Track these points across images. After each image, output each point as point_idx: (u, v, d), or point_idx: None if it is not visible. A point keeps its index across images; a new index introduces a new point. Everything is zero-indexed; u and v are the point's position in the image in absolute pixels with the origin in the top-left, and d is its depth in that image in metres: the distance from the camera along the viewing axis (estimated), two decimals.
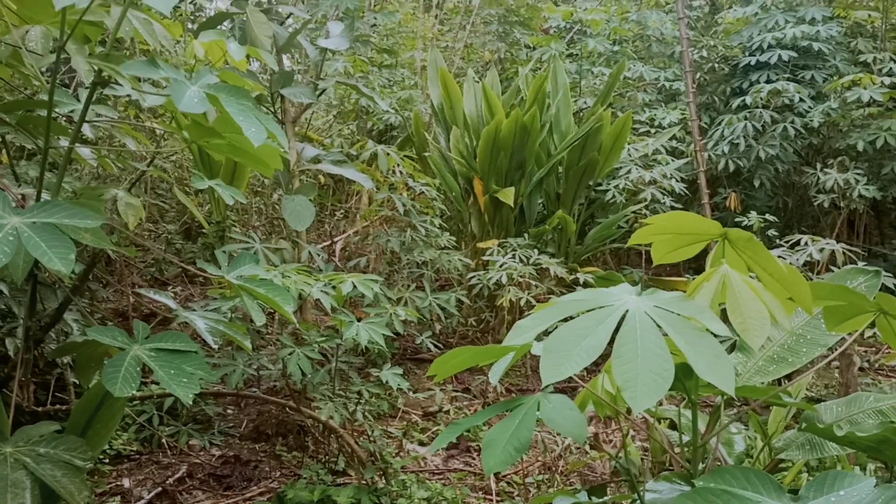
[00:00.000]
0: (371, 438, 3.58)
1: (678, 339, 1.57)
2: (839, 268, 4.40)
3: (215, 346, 2.19)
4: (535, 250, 5.23)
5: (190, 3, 6.72)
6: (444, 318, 4.85)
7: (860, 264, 4.29)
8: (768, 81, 6.90)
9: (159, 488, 3.42)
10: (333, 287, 3.13)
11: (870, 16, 7.51)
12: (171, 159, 5.82)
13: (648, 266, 6.44)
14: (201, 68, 2.04)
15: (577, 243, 6.17)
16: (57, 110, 2.45)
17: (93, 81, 2.21)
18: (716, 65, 7.63)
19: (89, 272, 2.73)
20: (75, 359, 2.82)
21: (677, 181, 6.00)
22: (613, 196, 6.00)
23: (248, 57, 2.84)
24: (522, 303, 4.76)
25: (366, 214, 5.57)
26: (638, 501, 1.91)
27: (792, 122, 6.70)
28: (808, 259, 4.28)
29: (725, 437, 2.86)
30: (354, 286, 3.12)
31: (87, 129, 2.79)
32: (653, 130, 6.82)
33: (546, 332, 1.72)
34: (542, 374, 1.55)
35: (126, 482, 3.45)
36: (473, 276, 5.10)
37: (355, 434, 3.63)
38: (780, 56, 6.93)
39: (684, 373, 1.78)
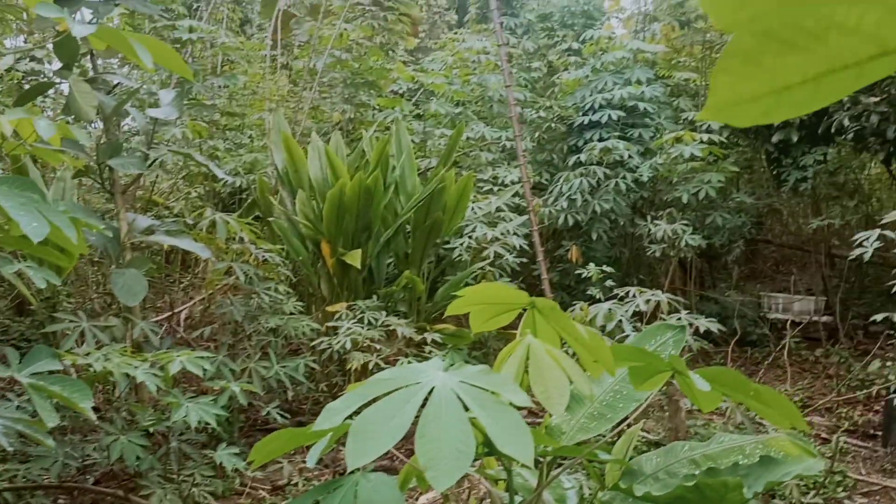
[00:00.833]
0: None
1: (481, 414, 1.62)
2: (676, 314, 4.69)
3: (10, 448, 2.05)
4: (384, 312, 5.26)
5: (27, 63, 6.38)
6: (293, 386, 4.76)
7: (683, 313, 4.58)
8: (601, 140, 7.33)
9: None
10: (161, 368, 3.01)
11: (690, 77, 8.16)
12: None
13: None
14: None
15: (428, 301, 6.24)
16: None
17: None
18: (553, 124, 8.03)
19: None
20: None
21: (519, 237, 6.22)
22: (460, 254, 6.14)
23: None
24: (371, 366, 4.75)
25: (207, 283, 5.41)
26: None
27: (623, 177, 7.12)
28: (637, 309, 4.53)
29: (559, 494, 2.94)
30: (183, 365, 3.01)
31: None
32: (496, 188, 7.06)
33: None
34: (348, 458, 1.56)
35: None
36: (322, 341, 5.04)
37: None
38: (610, 116, 7.38)
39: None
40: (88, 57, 4.60)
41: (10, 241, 1.91)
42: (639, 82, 7.60)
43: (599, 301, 5.38)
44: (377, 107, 8.34)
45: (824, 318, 7.35)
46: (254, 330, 4.94)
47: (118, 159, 4.05)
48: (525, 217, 6.75)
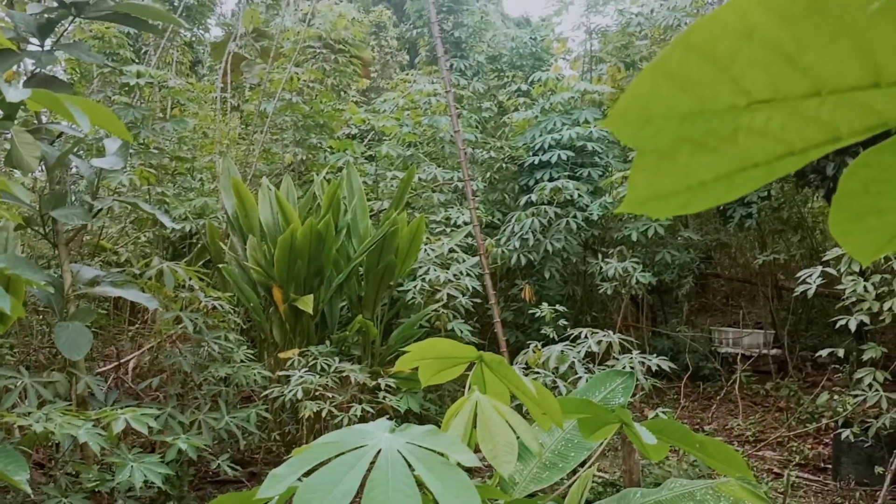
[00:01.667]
0: None
1: (428, 476, 1.60)
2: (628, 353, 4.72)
3: None
4: (337, 357, 5.20)
5: None
6: (245, 436, 4.67)
7: (635, 353, 4.62)
8: (551, 179, 7.43)
9: None
10: (105, 426, 2.93)
11: None
12: None
13: None
14: None
15: (382, 344, 6.20)
16: None
17: None
18: (504, 164, 8.12)
19: None
20: None
21: (473, 277, 6.23)
22: (414, 296, 6.12)
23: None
24: (325, 413, 4.68)
25: (155, 332, 5.31)
26: None
27: (574, 216, 7.22)
28: (589, 350, 4.56)
29: None
30: (128, 422, 2.93)
31: None
32: (449, 229, 7.08)
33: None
34: None
35: None
36: (274, 389, 4.96)
37: None
38: (559, 155, 7.49)
39: None
40: None
41: None
42: (587, 122, 7.74)
43: (553, 340, 5.41)
44: (329, 148, 8.34)
45: (773, 351, 7.49)
46: (203, 379, 4.85)
47: (62, 210, 3.98)
48: (478, 258, 6.78)
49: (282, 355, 5.42)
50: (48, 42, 4.28)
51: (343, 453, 1.66)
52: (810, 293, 4.95)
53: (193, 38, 11.16)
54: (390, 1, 15.29)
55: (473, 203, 5.99)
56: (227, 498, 1.90)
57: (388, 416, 5.07)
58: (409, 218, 6.26)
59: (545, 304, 6.06)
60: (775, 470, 5.31)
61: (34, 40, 4.12)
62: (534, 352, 4.75)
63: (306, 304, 5.51)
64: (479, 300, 6.41)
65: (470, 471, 1.71)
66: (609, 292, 6.84)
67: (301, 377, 4.76)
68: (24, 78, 4.42)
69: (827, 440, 5.72)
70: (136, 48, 9.42)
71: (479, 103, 9.32)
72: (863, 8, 0.46)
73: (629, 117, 0.54)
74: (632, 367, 4.33)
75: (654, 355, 4.76)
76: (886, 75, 0.50)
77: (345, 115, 8.88)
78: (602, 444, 2.20)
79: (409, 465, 1.62)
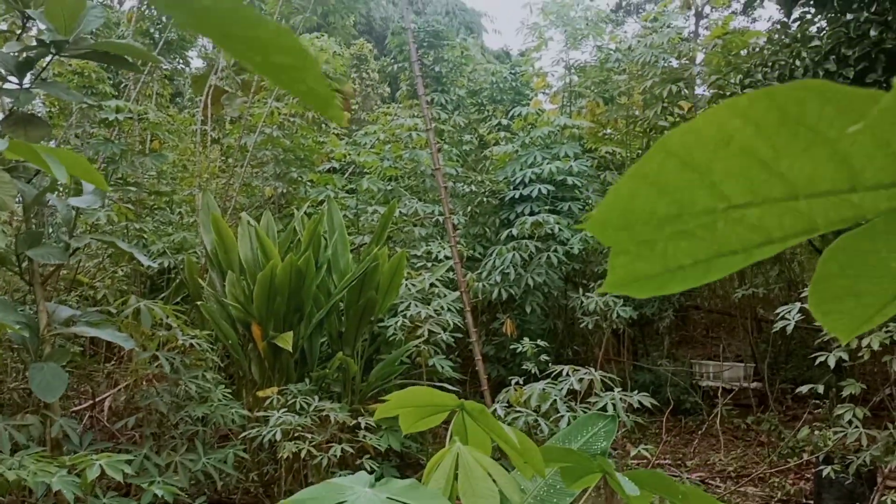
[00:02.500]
0: None
1: None
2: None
3: None
4: (317, 395, 5.15)
5: None
6: (222, 476, 4.59)
7: (616, 391, 4.61)
8: (531, 213, 7.45)
9: None
10: (80, 473, 2.87)
11: (615, 151, 8.42)
12: None
13: None
14: None
15: (363, 380, 6.15)
16: None
17: None
18: (485, 198, 8.14)
19: None
20: None
21: (454, 312, 6.21)
22: (395, 332, 6.09)
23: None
24: (303, 454, 4.62)
25: (131, 372, 5.23)
26: None
27: (555, 250, 7.23)
28: (571, 387, 4.54)
29: None
30: (103, 469, 2.87)
31: None
32: (430, 264, 7.07)
33: None
34: None
35: None
36: (253, 429, 4.90)
37: None
38: (540, 190, 7.53)
39: None
40: None
41: None
42: (567, 156, 7.79)
43: (535, 375, 5.39)
44: (310, 182, 8.33)
45: (754, 385, 7.51)
46: (180, 419, 4.77)
47: (38, 249, 3.93)
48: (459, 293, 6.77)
49: (260, 394, 5.36)
50: (27, 79, 4.26)
51: None
52: (789, 329, 4.98)
53: (174, 71, 11.17)
54: (371, 34, 15.42)
55: (454, 239, 5.99)
56: None
57: (368, 455, 5.01)
58: (391, 252, 6.25)
59: (526, 339, 6.05)
60: None
61: (12, 78, 4.10)
62: (515, 389, 4.72)
63: (286, 341, 5.46)
64: (460, 335, 6.38)
65: None
66: (590, 326, 6.84)
67: (280, 418, 4.70)
68: (2, 116, 4.39)
69: (808, 475, 5.71)
70: (115, 81, 9.39)
71: (459, 136, 9.38)
72: (836, 120, 0.46)
73: (609, 224, 0.53)
74: (614, 405, 4.31)
75: (636, 391, 4.76)
76: (863, 179, 0.50)
77: (326, 147, 8.89)
78: (587, 491, 2.18)
79: None
